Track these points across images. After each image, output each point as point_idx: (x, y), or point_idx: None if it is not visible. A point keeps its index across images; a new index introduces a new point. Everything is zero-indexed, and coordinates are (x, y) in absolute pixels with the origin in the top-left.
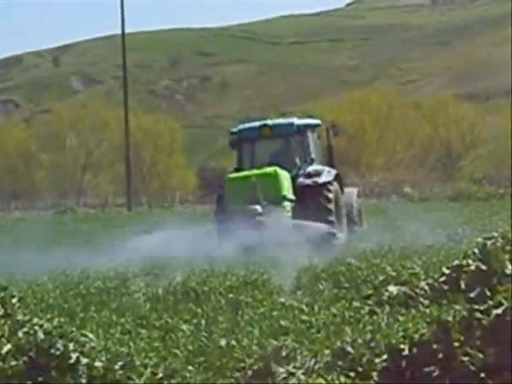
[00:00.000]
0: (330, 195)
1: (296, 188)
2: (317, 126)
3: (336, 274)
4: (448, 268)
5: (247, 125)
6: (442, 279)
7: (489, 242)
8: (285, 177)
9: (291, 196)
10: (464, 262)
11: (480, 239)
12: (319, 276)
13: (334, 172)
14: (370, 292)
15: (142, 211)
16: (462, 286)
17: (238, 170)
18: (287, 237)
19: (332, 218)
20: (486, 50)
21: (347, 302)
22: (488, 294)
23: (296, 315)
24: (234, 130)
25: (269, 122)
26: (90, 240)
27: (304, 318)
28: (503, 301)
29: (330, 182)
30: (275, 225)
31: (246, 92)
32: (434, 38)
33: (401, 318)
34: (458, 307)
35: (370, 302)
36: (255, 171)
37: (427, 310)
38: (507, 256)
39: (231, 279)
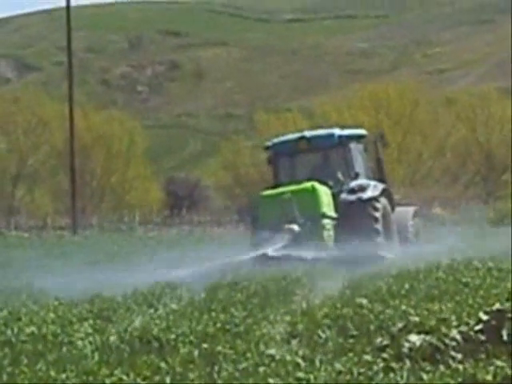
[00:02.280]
0: (377, 213)
1: (339, 205)
2: (362, 136)
3: (342, 319)
4: (486, 313)
5: (283, 138)
6: (479, 327)
7: None
8: (324, 192)
9: (332, 213)
10: (507, 306)
11: None
12: (320, 321)
13: (381, 186)
14: (386, 342)
15: (92, 235)
16: (505, 336)
17: (275, 187)
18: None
19: (379, 239)
20: None
21: (356, 355)
22: None
23: (290, 372)
24: (269, 144)
25: (306, 133)
26: (22, 272)
27: (300, 375)
28: None
29: (375, 198)
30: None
31: (227, 83)
32: (472, 15)
33: (425, 377)
34: (499, 363)
35: (385, 355)
36: (291, 187)
37: (460, 367)
38: None
39: (206, 324)
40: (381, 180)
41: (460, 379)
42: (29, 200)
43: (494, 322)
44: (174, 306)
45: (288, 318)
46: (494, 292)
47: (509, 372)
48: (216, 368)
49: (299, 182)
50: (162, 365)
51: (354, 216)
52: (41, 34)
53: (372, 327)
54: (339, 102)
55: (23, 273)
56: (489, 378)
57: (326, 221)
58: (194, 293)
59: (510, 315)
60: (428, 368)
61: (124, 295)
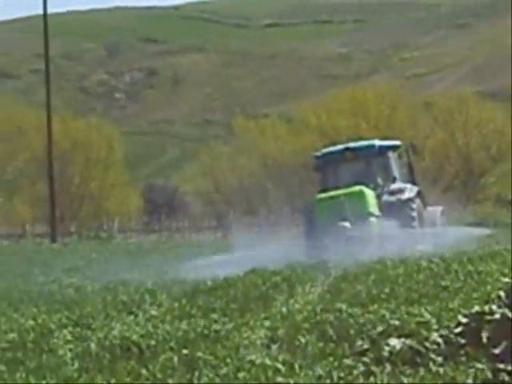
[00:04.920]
0: (413, 211)
1: (381, 205)
2: (397, 146)
3: (322, 324)
4: (465, 316)
5: (330, 149)
6: (458, 330)
7: None
8: (370, 195)
9: (377, 212)
10: (486, 309)
11: (507, 279)
12: (300, 326)
13: (415, 189)
14: (366, 346)
15: (71, 243)
16: (484, 338)
17: (323, 191)
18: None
19: (415, 225)
20: None
21: (336, 359)
22: None
23: (270, 377)
24: (318, 154)
25: (351, 145)
26: (1, 280)
27: (280, 380)
28: None
29: (412, 198)
30: (364, 239)
31: (205, 89)
32: (449, 19)
33: (406, 380)
34: (479, 366)
35: (365, 359)
36: (342, 190)
37: (440, 370)
38: None
39: (186, 330)
40: (412, 182)
41: (440, 382)
42: (7, 208)
43: (473, 325)
44: (153, 312)
45: (268, 323)
46: (473, 295)
47: (489, 375)
48: (196, 374)
49: (346, 187)
50: (143, 371)
51: (395, 214)
52: (18, 42)
53: (352, 331)
54: (317, 107)
55: (3, 281)
56: (469, 381)
57: (372, 219)
58: (173, 299)
59: (489, 317)
60: (408, 371)
61: (104, 302)
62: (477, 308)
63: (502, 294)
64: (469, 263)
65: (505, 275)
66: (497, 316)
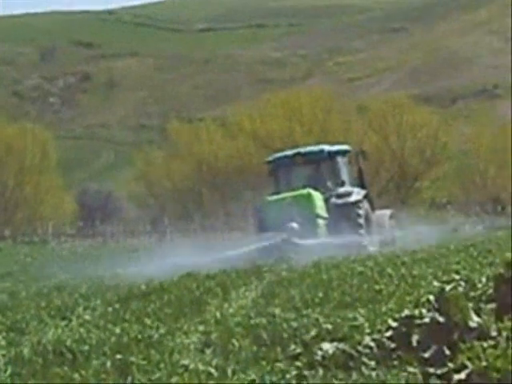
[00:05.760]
0: (360, 212)
1: (329, 207)
2: (346, 151)
3: (255, 328)
4: (395, 320)
5: (281, 153)
6: (388, 334)
7: (448, 287)
8: (318, 197)
9: (324, 214)
10: (416, 312)
11: (436, 283)
12: (234, 330)
13: (363, 192)
14: (299, 350)
15: (5, 247)
16: (414, 342)
17: (275, 193)
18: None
19: (362, 232)
20: (450, 39)
21: (269, 363)
22: (447, 353)
23: (203, 381)
24: (270, 158)
25: (301, 150)
26: None
27: None
28: (467, 362)
29: (359, 201)
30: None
31: (140, 93)
32: (383, 23)
33: None
34: (411, 370)
35: (298, 363)
36: (290, 193)
37: (373, 374)
38: (471, 304)
39: (119, 334)
40: (362, 186)
41: None
42: None
43: (403, 329)
44: (87, 317)
45: (202, 328)
46: (406, 299)
47: (420, 378)
48: (129, 379)
49: (296, 189)
50: (75, 376)
51: (342, 216)
52: None
53: (285, 336)
54: (251, 111)
55: None
56: None
57: (319, 220)
58: (107, 304)
59: (418, 321)
60: (341, 375)
61: (37, 307)
62: (407, 312)
63: (431, 297)
64: (403, 267)
65: (438, 279)
66: (426, 320)
